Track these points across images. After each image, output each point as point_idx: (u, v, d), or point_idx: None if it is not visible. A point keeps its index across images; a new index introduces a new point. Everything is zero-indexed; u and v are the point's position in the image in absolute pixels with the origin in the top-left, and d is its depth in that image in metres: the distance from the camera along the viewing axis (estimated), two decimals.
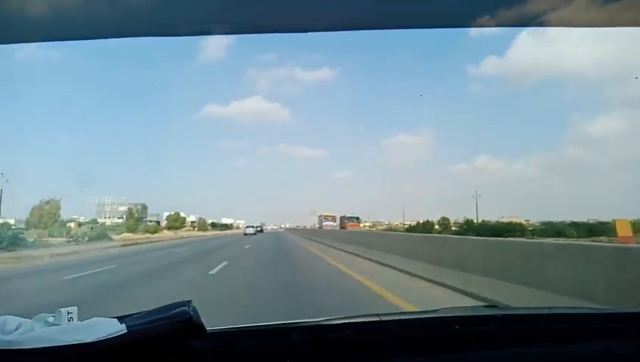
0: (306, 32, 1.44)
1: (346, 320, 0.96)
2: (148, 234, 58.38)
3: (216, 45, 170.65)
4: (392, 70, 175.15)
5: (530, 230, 51.19)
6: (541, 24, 1.44)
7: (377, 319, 1.01)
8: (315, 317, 0.95)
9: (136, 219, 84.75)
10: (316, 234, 37.93)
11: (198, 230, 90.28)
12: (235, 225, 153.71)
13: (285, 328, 0.89)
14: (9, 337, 0.61)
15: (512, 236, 27.95)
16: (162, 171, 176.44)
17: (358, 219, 60.72)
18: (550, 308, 1.14)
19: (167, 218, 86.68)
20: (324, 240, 25.28)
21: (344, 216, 59.28)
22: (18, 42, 1.63)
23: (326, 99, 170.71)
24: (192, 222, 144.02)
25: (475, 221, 63.43)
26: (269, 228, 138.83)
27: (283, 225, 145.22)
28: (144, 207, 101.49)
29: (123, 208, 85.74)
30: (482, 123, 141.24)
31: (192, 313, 0.67)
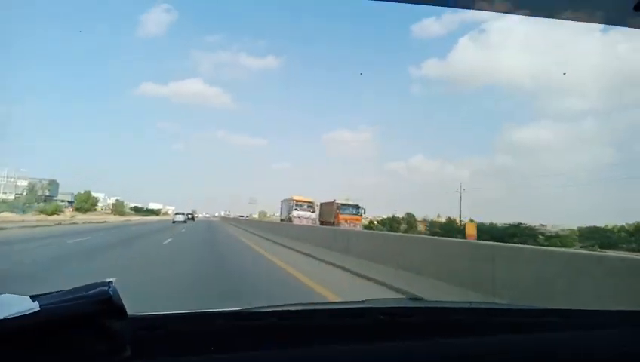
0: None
1: (274, 309, 0.98)
2: (43, 216, 48.33)
3: (157, 21, 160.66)
4: (339, 65, 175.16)
5: (551, 236, 37.63)
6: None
7: (305, 308, 1.08)
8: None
9: (39, 196, 73.13)
10: (278, 231, 21.20)
11: (115, 214, 79.59)
12: (163, 210, 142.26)
13: (210, 315, 0.88)
14: None
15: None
16: (86, 147, 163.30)
17: (358, 208, 36.31)
18: (470, 302, 1.29)
19: (76, 197, 75.19)
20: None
21: (331, 203, 36.23)
22: None
23: (270, 88, 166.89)
24: (114, 204, 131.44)
25: (458, 221, 52.24)
26: (201, 216, 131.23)
27: (217, 214, 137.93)
28: (52, 184, 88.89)
29: (24, 183, 73.45)
30: (421, 123, 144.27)
31: (111, 293, 0.64)
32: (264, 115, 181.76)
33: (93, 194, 78.06)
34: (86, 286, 0.66)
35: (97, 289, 0.64)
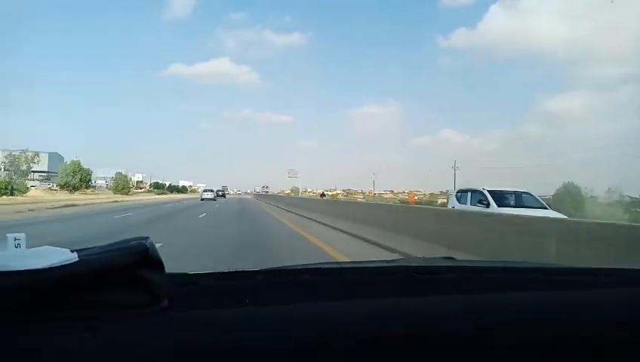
0: None
1: (305, 266, 1.01)
2: None
3: (183, 1, 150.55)
4: (366, 39, 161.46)
5: None
6: None
7: (337, 266, 1.11)
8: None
9: (22, 171, 57.19)
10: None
11: (117, 192, 62.80)
12: (194, 188, 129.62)
13: (245, 272, 0.91)
14: None
15: None
16: (114, 127, 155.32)
17: None
18: (505, 261, 1.29)
19: (61, 170, 58.23)
20: None
21: None
22: None
23: (296, 65, 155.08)
24: (139, 181, 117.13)
25: None
26: (232, 192, 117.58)
27: (249, 191, 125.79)
28: (53, 157, 73.15)
29: None
30: (449, 96, 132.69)
31: (148, 246, 0.65)
32: (291, 92, 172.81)
33: (90, 169, 61.53)
34: (123, 240, 0.67)
35: (135, 243, 0.65)
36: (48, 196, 41.28)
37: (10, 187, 38.39)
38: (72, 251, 0.62)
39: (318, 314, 0.76)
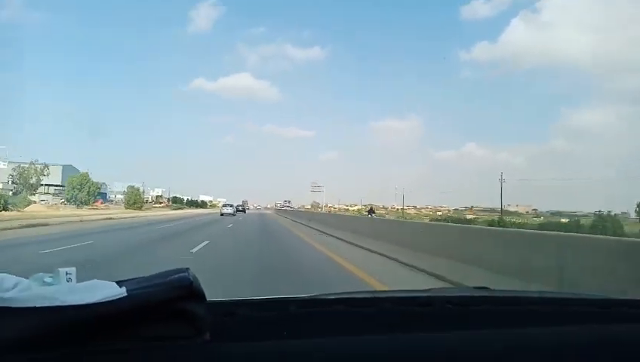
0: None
1: (341, 296, 1.02)
2: None
3: (205, 16, 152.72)
4: (386, 53, 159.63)
5: None
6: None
7: (371, 296, 1.14)
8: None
9: (30, 185, 54.07)
10: None
11: (128, 207, 59.06)
12: (213, 203, 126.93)
13: (282, 301, 0.93)
14: (7, 295, 0.59)
15: None
16: (136, 142, 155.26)
17: None
18: (540, 292, 1.27)
19: (67, 184, 54.66)
20: None
21: None
22: None
23: (316, 79, 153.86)
24: (158, 196, 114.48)
25: None
26: (251, 207, 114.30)
27: (269, 205, 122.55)
28: (67, 169, 70.36)
29: (2, 165, 54.29)
30: (471, 110, 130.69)
31: (192, 279, 0.66)
32: (312, 106, 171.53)
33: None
34: (165, 272, 0.68)
35: (179, 275, 0.66)
36: (50, 211, 37.45)
37: (2, 202, 34.68)
38: (119, 285, 0.64)
39: (358, 349, 0.75)
